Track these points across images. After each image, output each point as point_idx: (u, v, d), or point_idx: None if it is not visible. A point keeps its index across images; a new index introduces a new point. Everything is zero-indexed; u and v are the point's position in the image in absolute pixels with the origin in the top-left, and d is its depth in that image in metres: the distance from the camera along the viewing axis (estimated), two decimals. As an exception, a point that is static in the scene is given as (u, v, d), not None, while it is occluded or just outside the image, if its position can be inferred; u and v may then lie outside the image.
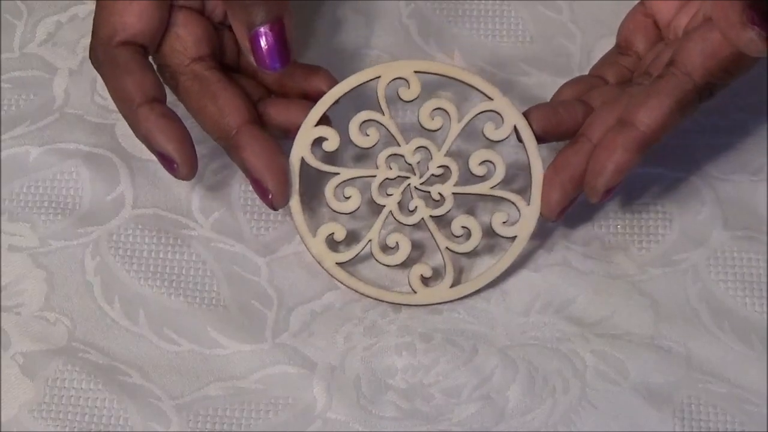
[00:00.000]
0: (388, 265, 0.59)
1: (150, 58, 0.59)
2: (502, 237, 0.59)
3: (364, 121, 0.59)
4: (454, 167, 0.59)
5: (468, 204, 0.61)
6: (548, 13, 0.68)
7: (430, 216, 0.59)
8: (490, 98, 0.59)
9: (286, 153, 0.59)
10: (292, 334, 0.58)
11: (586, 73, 0.62)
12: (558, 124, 0.59)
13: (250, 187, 0.60)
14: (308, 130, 0.59)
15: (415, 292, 0.59)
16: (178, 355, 0.58)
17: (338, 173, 0.59)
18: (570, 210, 0.59)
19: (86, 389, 0.57)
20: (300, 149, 0.59)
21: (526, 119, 0.59)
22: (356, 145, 0.59)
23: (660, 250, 0.60)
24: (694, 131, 0.62)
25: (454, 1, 0.68)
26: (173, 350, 0.58)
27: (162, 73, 0.59)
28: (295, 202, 0.59)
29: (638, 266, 0.60)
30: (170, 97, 0.59)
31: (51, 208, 0.62)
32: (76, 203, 0.62)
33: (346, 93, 0.59)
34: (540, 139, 0.59)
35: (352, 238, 0.60)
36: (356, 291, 0.59)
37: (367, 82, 0.59)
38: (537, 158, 0.59)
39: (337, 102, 0.59)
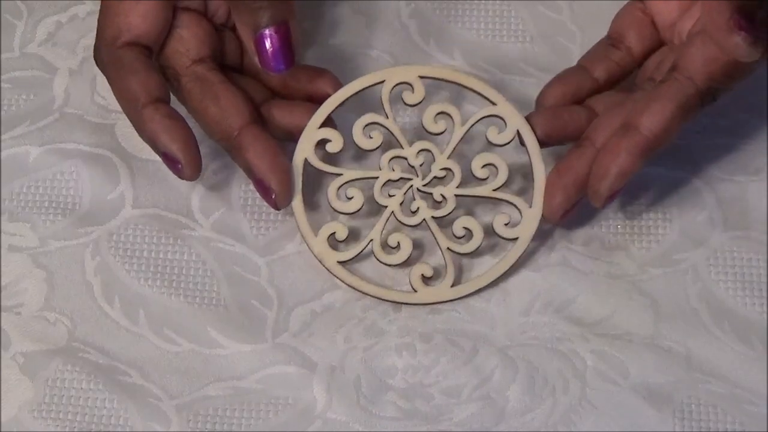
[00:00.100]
0: (389, 265, 0.59)
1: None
2: (504, 238, 0.59)
3: (368, 124, 0.60)
4: (456, 170, 0.59)
5: (470, 206, 0.61)
6: (548, 13, 0.68)
7: (432, 217, 0.59)
8: (493, 103, 0.60)
9: (288, 154, 0.59)
10: (292, 334, 0.58)
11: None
12: (561, 128, 0.59)
13: (251, 187, 0.60)
14: (312, 132, 0.60)
15: (416, 292, 0.59)
16: (178, 355, 0.58)
17: (341, 174, 0.60)
18: (572, 215, 0.59)
19: (86, 389, 0.57)
20: (304, 150, 0.59)
21: (529, 123, 0.59)
22: (360, 148, 0.60)
23: (660, 250, 0.60)
24: (694, 131, 0.62)
25: (454, 1, 0.68)
26: (173, 350, 0.58)
27: (163, 74, 0.59)
28: (297, 202, 0.59)
29: (638, 266, 0.60)
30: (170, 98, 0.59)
31: (51, 208, 0.62)
32: (76, 203, 0.62)
33: (350, 97, 0.60)
34: (543, 143, 0.59)
35: (353, 237, 0.60)
36: (357, 289, 0.59)
37: (372, 86, 0.60)
38: (540, 162, 0.59)
39: (340, 105, 0.60)
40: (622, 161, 0.56)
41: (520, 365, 0.57)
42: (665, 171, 0.62)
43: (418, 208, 0.59)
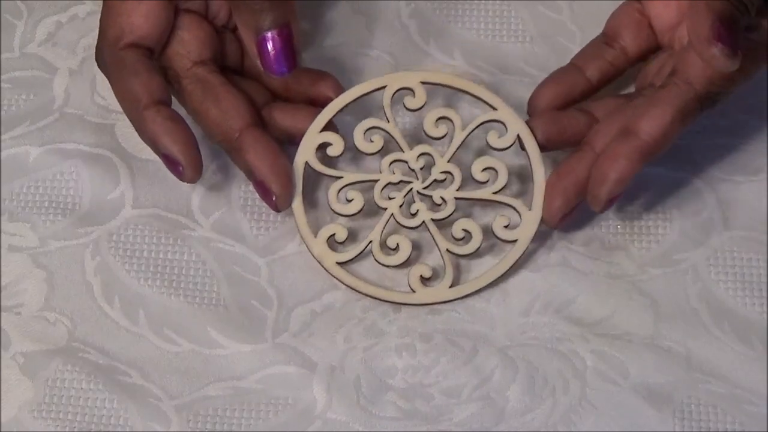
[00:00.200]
0: (388, 266, 0.59)
1: (150, 61, 0.59)
2: (503, 241, 0.59)
3: (369, 128, 0.60)
4: (456, 173, 0.60)
5: (469, 208, 0.61)
6: (548, 13, 0.68)
7: (432, 219, 0.59)
8: (494, 108, 0.60)
9: (288, 156, 0.59)
10: (292, 334, 0.58)
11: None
12: (561, 132, 0.59)
13: (251, 187, 0.60)
14: (314, 136, 0.60)
15: (414, 292, 0.59)
16: (178, 355, 0.58)
17: (341, 177, 0.60)
18: (571, 219, 0.59)
19: (86, 389, 0.57)
20: (305, 153, 0.60)
21: (530, 128, 0.59)
22: (361, 151, 0.60)
23: (660, 250, 0.60)
24: (694, 131, 0.62)
25: (454, 1, 0.68)
26: (173, 350, 0.58)
27: (164, 76, 0.60)
28: (297, 204, 0.59)
29: (638, 266, 0.60)
30: (170, 98, 0.59)
31: (51, 208, 0.62)
32: (76, 203, 0.62)
33: (351, 102, 0.60)
34: (543, 148, 0.60)
35: (352, 239, 0.60)
36: (356, 290, 0.59)
37: (373, 91, 0.60)
38: (540, 166, 0.59)
39: (342, 110, 0.60)
40: (621, 166, 0.56)
41: (520, 365, 0.57)
42: (665, 171, 0.62)
43: (417, 211, 0.59)
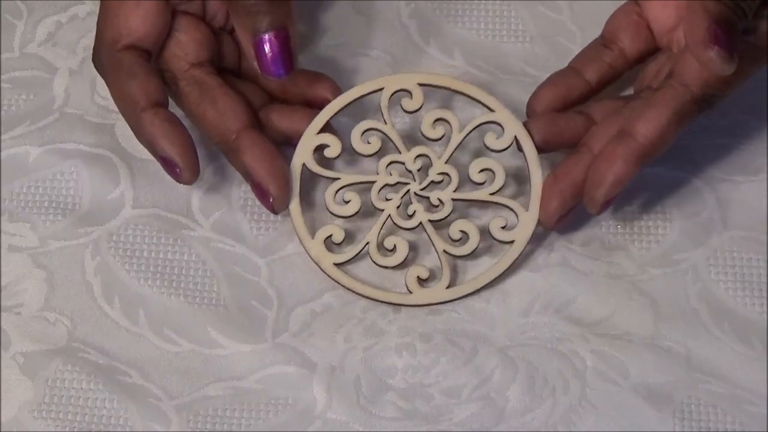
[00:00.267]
0: (385, 267, 0.59)
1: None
2: (500, 242, 0.59)
3: (366, 130, 0.60)
4: (453, 174, 0.60)
5: (466, 209, 0.61)
6: (548, 13, 0.68)
7: (429, 220, 0.59)
8: (491, 109, 0.60)
9: (286, 158, 0.59)
10: (292, 334, 0.58)
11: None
12: (558, 134, 0.60)
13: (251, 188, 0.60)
14: (311, 137, 0.60)
15: (411, 293, 0.59)
16: (178, 355, 0.58)
17: (338, 178, 0.60)
18: (567, 220, 0.59)
19: (86, 389, 0.57)
20: (302, 155, 0.60)
21: (527, 130, 0.59)
22: (358, 153, 0.60)
23: (660, 250, 0.60)
24: (694, 131, 0.62)
25: (454, 1, 0.68)
26: (173, 350, 0.58)
27: (161, 78, 0.59)
28: (295, 206, 0.59)
29: (638, 266, 0.60)
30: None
31: (51, 208, 0.62)
32: (76, 203, 0.62)
33: (349, 104, 0.61)
34: (540, 150, 0.60)
35: (350, 240, 0.60)
36: (353, 291, 0.59)
37: (371, 93, 0.60)
38: (537, 167, 0.59)
39: (339, 111, 0.60)
40: (617, 168, 0.56)
41: (520, 365, 0.57)
42: (665, 171, 0.62)
43: (414, 212, 0.59)
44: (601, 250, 0.60)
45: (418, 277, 0.59)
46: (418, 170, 0.60)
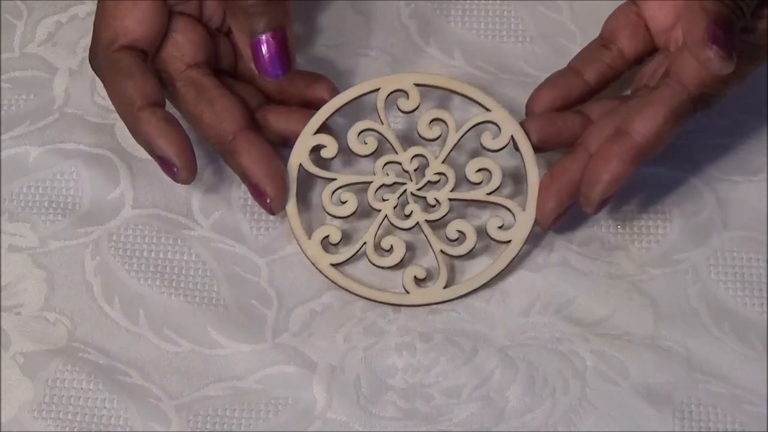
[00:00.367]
0: (382, 267, 0.59)
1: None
2: (497, 241, 0.59)
3: (363, 130, 0.60)
4: (450, 174, 0.60)
5: (463, 209, 0.61)
6: (548, 13, 0.68)
7: (426, 220, 0.59)
8: (488, 109, 0.60)
9: (282, 159, 0.59)
10: (292, 334, 0.58)
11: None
12: (555, 134, 0.60)
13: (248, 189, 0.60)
14: (308, 138, 0.60)
15: (408, 293, 0.59)
16: (178, 355, 0.58)
17: (335, 179, 0.60)
18: (564, 219, 0.59)
19: (86, 389, 0.57)
20: (299, 156, 0.60)
21: (524, 129, 0.59)
22: (355, 153, 0.60)
23: (660, 250, 0.60)
24: (694, 131, 0.62)
25: (454, 1, 0.68)
26: (173, 350, 0.58)
27: (158, 79, 0.59)
28: (291, 206, 0.60)
29: (638, 266, 0.60)
30: (169, 99, 0.59)
31: (51, 208, 0.62)
32: (76, 203, 0.62)
33: (345, 104, 0.61)
34: (537, 149, 0.60)
35: (347, 240, 0.60)
36: (350, 291, 0.59)
37: (367, 93, 0.60)
38: (534, 167, 0.59)
39: (336, 112, 0.60)
40: (614, 167, 0.56)
41: (520, 365, 0.57)
42: (665, 171, 0.62)
43: (411, 212, 0.60)
44: (601, 250, 0.60)
45: (415, 277, 0.59)
46: (415, 170, 0.60)
